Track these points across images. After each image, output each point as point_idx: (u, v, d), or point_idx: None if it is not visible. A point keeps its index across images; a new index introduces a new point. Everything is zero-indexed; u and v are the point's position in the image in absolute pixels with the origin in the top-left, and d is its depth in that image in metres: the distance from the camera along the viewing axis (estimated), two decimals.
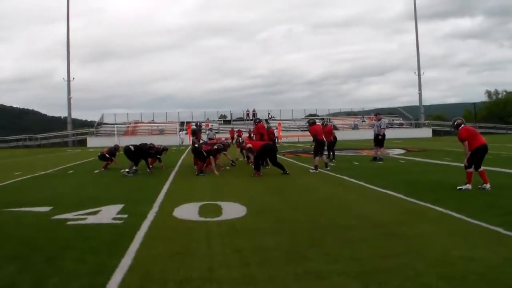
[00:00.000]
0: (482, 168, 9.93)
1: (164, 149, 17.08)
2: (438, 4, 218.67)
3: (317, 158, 14.84)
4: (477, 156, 9.86)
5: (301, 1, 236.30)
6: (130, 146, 15.79)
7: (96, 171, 16.71)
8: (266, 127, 18.18)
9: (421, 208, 7.88)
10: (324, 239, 5.76)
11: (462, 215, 7.00)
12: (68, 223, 7.10)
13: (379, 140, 18.48)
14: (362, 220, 6.92)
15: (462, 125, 10.27)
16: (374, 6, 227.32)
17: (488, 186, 9.74)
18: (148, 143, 16.36)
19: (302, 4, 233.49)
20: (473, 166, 9.85)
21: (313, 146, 15.81)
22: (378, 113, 21.01)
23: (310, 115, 69.86)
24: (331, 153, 18.42)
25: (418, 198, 8.66)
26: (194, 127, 19.37)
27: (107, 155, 17.57)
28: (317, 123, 16.14)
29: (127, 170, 15.16)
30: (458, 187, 9.91)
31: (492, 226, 6.21)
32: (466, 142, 9.90)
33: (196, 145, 15.59)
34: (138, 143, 16.26)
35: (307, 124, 16.99)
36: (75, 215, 7.66)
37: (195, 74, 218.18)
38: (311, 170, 14.66)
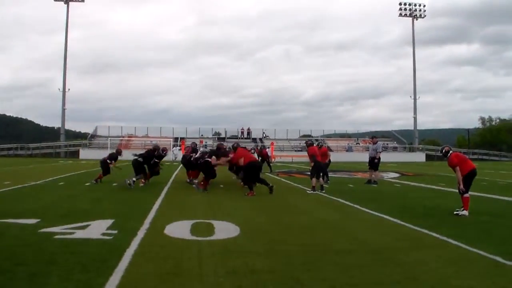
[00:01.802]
0: (469, 194, 9.99)
1: (164, 149, 17.29)
2: (435, 31, 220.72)
3: (314, 179, 14.78)
4: (469, 180, 10.02)
5: (299, 22, 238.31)
6: (139, 159, 15.66)
7: (87, 184, 16.43)
8: (259, 147, 17.96)
9: (417, 234, 7.75)
10: (319, 264, 5.60)
11: (460, 242, 6.88)
12: (55, 237, 6.88)
13: (374, 163, 18.39)
14: (358, 245, 6.77)
15: (451, 152, 10.45)
16: (372, 30, 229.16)
17: (466, 213, 9.76)
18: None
19: (300, 25, 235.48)
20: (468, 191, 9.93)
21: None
22: (374, 136, 20.95)
23: (305, 135, 70.10)
24: (324, 176, 18.30)
25: (414, 223, 8.53)
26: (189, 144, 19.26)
27: (108, 161, 17.22)
28: (314, 145, 16.09)
29: (133, 179, 15.04)
30: (454, 212, 9.99)
31: (490, 254, 6.10)
32: (458, 168, 10.03)
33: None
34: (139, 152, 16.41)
35: (305, 145, 16.91)
36: (63, 229, 7.44)
37: (191, 91, 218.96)
38: (308, 192, 14.53)
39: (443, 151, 10.67)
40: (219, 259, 5.74)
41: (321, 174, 15.66)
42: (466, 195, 9.92)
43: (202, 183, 14.67)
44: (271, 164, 28.26)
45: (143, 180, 15.96)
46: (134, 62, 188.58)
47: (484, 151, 70.78)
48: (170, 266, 5.39)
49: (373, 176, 18.62)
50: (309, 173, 15.75)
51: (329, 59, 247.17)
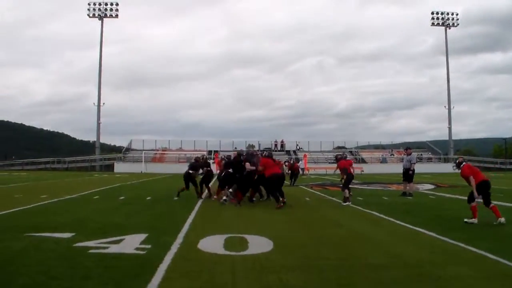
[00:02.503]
0: (493, 203, 10.34)
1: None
2: (469, 39, 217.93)
3: (346, 191, 14.69)
4: (482, 192, 10.33)
5: (331, 34, 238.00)
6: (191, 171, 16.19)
7: (175, 198, 16.21)
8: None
9: (454, 248, 7.53)
10: (354, 279, 5.48)
11: (498, 256, 6.63)
12: (90, 251, 6.91)
13: (409, 175, 18.12)
14: (393, 259, 6.61)
15: (464, 163, 10.85)
16: (404, 40, 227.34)
17: (503, 219, 9.97)
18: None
19: (332, 37, 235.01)
20: (475, 200, 10.39)
21: (342, 180, 15.56)
22: (408, 147, 20.68)
23: (339, 147, 69.60)
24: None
25: (451, 237, 8.31)
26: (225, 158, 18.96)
27: (190, 171, 16.71)
28: (347, 158, 16.00)
29: (224, 198, 14.90)
30: (464, 220, 10.35)
31: None
32: (471, 177, 10.36)
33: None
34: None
35: (335, 159, 16.83)
36: (97, 243, 7.48)
37: (224, 103, 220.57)
38: (343, 203, 14.36)
39: (457, 161, 11.11)
40: (252, 274, 5.66)
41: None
42: (474, 203, 10.39)
43: (235, 196, 14.69)
44: (304, 177, 28.10)
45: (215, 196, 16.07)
46: (167, 76, 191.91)
47: None
48: (203, 281, 5.33)
49: (407, 188, 18.33)
50: (341, 185, 15.70)
51: (361, 70, 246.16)
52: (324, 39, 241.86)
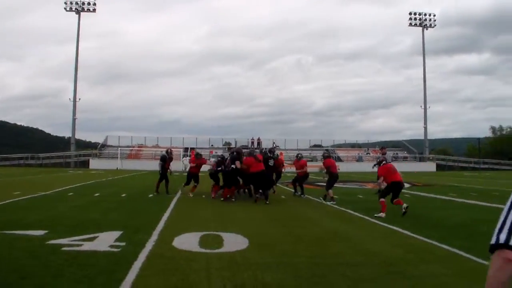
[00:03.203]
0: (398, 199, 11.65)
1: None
2: (445, 40, 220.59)
3: (330, 190, 14.79)
4: (394, 189, 11.67)
5: (311, 32, 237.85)
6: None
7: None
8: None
9: (428, 246, 7.63)
10: (329, 277, 5.51)
11: (471, 254, 6.74)
12: (63, 249, 6.82)
13: None
14: (368, 257, 6.67)
15: (384, 162, 12.46)
16: (382, 39, 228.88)
17: (405, 205, 11.31)
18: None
19: (312, 35, 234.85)
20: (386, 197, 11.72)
21: (325, 178, 16.00)
22: (384, 146, 21.06)
23: (315, 145, 69.85)
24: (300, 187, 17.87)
25: (425, 235, 8.42)
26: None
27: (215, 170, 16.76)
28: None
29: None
30: (374, 215, 11.38)
31: None
32: (382, 177, 11.93)
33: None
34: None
35: (322, 157, 16.94)
36: (71, 241, 7.39)
37: (202, 100, 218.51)
38: (328, 202, 14.42)
39: (378, 160, 12.96)
40: (227, 272, 5.65)
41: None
42: (383, 199, 11.63)
43: (224, 192, 15.13)
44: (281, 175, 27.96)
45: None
46: (145, 72, 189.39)
47: (495, 160, 70.13)
48: (177, 279, 5.31)
49: (382, 186, 18.52)
50: (325, 184, 16.01)
51: (339, 69, 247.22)
52: (303, 37, 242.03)
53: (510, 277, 1.77)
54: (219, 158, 17.03)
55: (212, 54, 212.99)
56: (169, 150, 18.64)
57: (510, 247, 1.78)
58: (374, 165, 12.27)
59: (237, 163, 14.74)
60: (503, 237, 1.83)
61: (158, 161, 17.83)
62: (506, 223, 1.87)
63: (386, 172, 11.85)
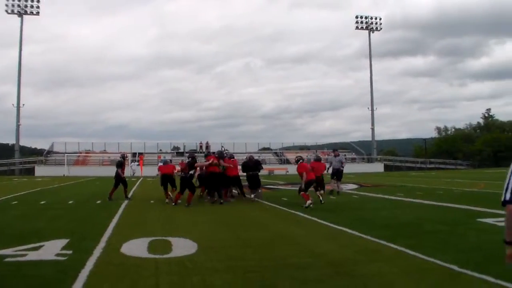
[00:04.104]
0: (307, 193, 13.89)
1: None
2: (391, 43, 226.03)
3: (302, 193, 14.74)
4: (310, 185, 14.25)
5: (260, 35, 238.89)
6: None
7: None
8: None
9: (376, 245, 7.77)
10: (278, 279, 5.57)
11: (417, 252, 6.93)
12: (6, 259, 6.65)
13: (340, 175, 19.48)
14: (316, 259, 6.75)
15: (301, 161, 14.88)
16: (330, 43, 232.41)
17: (309, 202, 13.57)
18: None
19: (260, 38, 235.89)
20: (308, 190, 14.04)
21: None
22: (335, 149, 21.76)
23: (264, 148, 70.25)
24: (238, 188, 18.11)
25: (373, 235, 8.56)
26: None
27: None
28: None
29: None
30: (303, 206, 13.50)
31: (446, 263, 6.15)
32: (304, 174, 14.11)
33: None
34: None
35: (295, 161, 16.91)
36: (15, 251, 7.20)
37: (150, 105, 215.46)
38: (305, 206, 14.19)
39: (296, 159, 15.32)
40: (176, 276, 5.66)
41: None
42: (303, 192, 13.99)
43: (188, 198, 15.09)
44: None
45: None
46: (92, 76, 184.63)
47: (440, 160, 72.37)
48: (126, 285, 5.28)
49: (339, 186, 19.20)
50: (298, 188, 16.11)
51: (288, 72, 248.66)
52: (252, 41, 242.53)
53: None
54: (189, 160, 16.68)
55: (160, 58, 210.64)
56: (125, 155, 18.60)
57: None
58: (295, 161, 14.04)
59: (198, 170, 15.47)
60: (508, 195, 2.87)
61: (115, 167, 17.59)
62: (509, 185, 2.90)
63: (304, 169, 14.32)
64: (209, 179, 15.75)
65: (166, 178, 16.43)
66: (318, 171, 16.21)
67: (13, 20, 70.77)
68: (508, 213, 2.87)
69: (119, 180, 17.10)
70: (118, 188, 17.01)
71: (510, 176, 2.94)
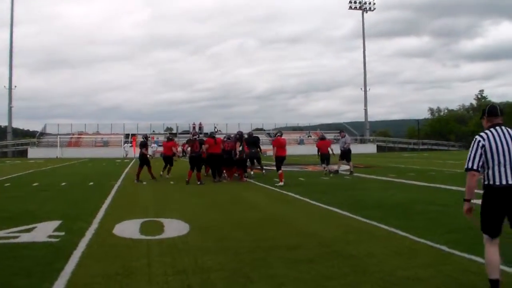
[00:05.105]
0: (281, 171, 15.29)
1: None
2: (385, 24, 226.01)
3: (331, 166, 16.47)
4: (280, 161, 15.58)
5: (254, 16, 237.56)
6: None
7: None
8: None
9: (367, 226, 7.83)
10: (269, 260, 5.60)
11: (408, 233, 6.99)
12: None
13: (347, 155, 19.84)
14: (307, 239, 6.79)
15: (278, 135, 16.70)
16: (324, 23, 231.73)
17: (281, 183, 14.72)
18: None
19: (254, 19, 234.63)
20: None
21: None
22: (342, 130, 22.67)
23: (257, 129, 70.08)
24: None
25: (364, 215, 8.62)
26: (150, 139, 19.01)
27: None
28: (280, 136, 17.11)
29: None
30: (275, 185, 14.62)
31: (437, 244, 6.21)
32: (275, 148, 16.02)
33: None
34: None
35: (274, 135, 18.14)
36: (7, 233, 7.22)
37: (143, 86, 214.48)
38: (333, 174, 16.40)
39: (276, 133, 17.13)
40: (168, 258, 5.69)
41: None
42: (280, 171, 15.22)
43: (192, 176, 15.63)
44: None
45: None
46: (86, 57, 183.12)
47: (433, 141, 72.46)
48: (118, 266, 5.29)
49: (331, 167, 19.94)
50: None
51: (282, 53, 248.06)
52: (246, 21, 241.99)
53: (476, 182, 4.16)
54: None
55: (154, 39, 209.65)
56: (147, 136, 19.46)
57: (472, 169, 4.14)
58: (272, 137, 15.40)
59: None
60: (470, 164, 4.14)
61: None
62: (470, 156, 4.14)
63: (278, 144, 15.94)
64: (208, 160, 16.23)
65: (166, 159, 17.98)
66: (324, 148, 19.23)
67: (3, 0, 69.96)
68: (468, 177, 4.21)
69: (144, 161, 17.21)
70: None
71: (471, 149, 4.16)
